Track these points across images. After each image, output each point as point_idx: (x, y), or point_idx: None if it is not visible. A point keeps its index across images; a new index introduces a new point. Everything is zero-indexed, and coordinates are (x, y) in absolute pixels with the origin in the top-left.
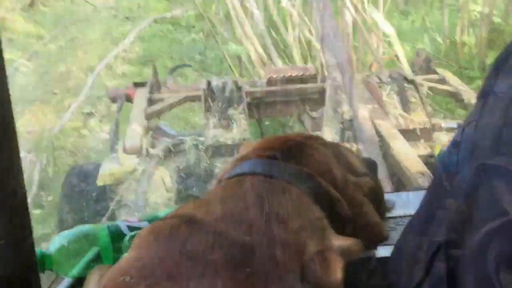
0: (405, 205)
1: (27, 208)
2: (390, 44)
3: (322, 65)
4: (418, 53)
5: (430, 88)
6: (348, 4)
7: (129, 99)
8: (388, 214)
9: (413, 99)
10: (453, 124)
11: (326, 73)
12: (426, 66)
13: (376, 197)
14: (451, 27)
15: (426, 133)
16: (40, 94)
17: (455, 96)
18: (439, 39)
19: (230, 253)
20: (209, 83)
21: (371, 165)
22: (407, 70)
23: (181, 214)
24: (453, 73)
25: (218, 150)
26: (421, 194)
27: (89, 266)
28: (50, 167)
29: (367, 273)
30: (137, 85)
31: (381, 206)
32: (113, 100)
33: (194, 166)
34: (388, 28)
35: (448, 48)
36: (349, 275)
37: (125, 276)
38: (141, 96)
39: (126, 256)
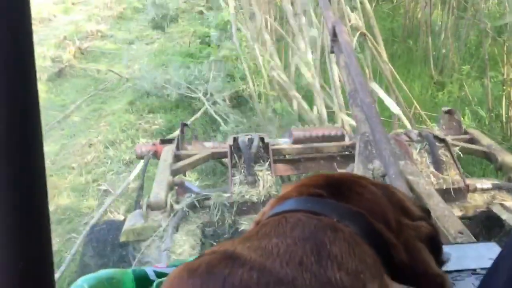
0: (461, 258)
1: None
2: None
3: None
4: (445, 112)
5: (461, 148)
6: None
7: (156, 155)
8: (444, 268)
9: (445, 158)
10: (488, 184)
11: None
12: (456, 126)
13: (434, 244)
14: (495, 100)
15: (460, 193)
16: (57, 168)
17: (488, 156)
18: (482, 112)
19: None
20: (235, 139)
21: (425, 212)
22: (437, 129)
23: (219, 250)
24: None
25: (243, 206)
26: (475, 248)
27: None
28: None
29: None
30: (164, 142)
31: (439, 255)
32: (140, 156)
33: (218, 222)
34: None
35: (492, 122)
36: None
37: None
38: (167, 153)
39: None
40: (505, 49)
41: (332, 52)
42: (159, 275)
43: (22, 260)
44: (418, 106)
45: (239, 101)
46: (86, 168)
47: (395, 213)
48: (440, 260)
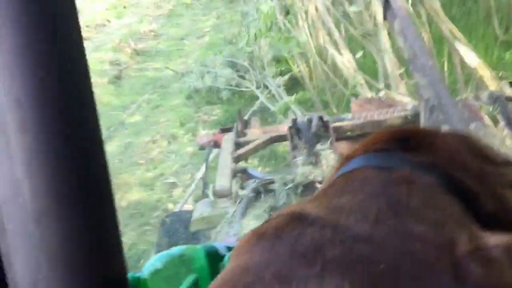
0: None
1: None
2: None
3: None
4: None
5: None
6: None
7: (217, 145)
8: None
9: None
10: None
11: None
12: None
13: None
14: None
15: None
16: (125, 166)
17: None
18: None
19: (355, 249)
20: (294, 121)
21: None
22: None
23: (286, 212)
24: None
25: (308, 187)
26: None
27: None
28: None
29: None
30: (223, 130)
31: None
32: (202, 147)
33: (285, 205)
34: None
35: None
36: None
37: None
38: (228, 141)
39: (225, 269)
40: None
41: (385, 18)
42: (230, 249)
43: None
44: (484, 67)
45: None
46: (152, 163)
47: (475, 161)
48: None
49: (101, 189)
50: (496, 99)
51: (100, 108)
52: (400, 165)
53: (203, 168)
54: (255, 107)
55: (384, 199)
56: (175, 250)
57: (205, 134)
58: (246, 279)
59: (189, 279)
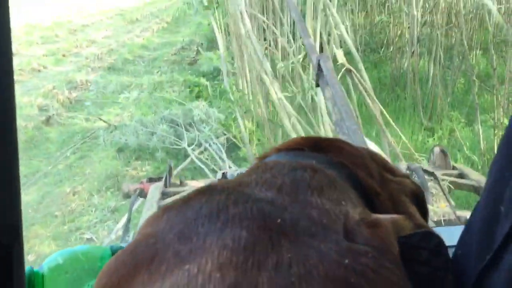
0: (448, 238)
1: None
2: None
3: None
4: (433, 149)
5: (451, 183)
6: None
7: (143, 194)
8: None
9: (434, 191)
10: None
11: None
12: (444, 162)
13: (419, 202)
14: (486, 145)
15: (451, 225)
16: (39, 217)
17: (477, 190)
18: (475, 157)
19: (257, 207)
20: (224, 174)
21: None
22: (426, 164)
23: (197, 189)
24: None
25: None
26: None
27: None
28: None
29: (427, 252)
30: (151, 180)
31: (425, 215)
32: (126, 195)
33: None
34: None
35: (486, 167)
36: (405, 251)
37: (132, 254)
38: (155, 190)
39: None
40: (495, 94)
41: (317, 85)
42: None
43: None
44: (411, 148)
45: (230, 146)
46: (70, 216)
47: (378, 168)
48: (426, 219)
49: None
50: (413, 170)
51: (21, 154)
52: (308, 159)
53: (125, 217)
54: (185, 163)
55: (289, 178)
56: (79, 247)
57: (131, 183)
58: (149, 241)
59: (93, 282)
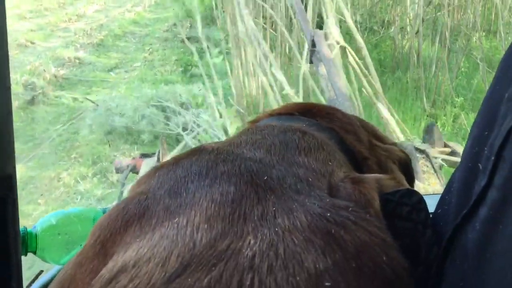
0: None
1: None
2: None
3: None
4: (428, 127)
5: (443, 160)
6: None
7: (135, 170)
8: None
9: (425, 169)
10: None
11: None
12: (437, 139)
13: (407, 170)
14: None
15: None
16: (21, 205)
17: None
18: None
19: (245, 165)
20: None
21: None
22: (418, 141)
23: (188, 150)
24: None
25: None
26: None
27: None
28: None
29: (408, 207)
30: (144, 156)
31: (411, 183)
32: (118, 170)
33: None
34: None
35: None
36: (387, 207)
37: (124, 209)
38: (148, 165)
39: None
40: None
41: (311, 62)
42: None
43: None
44: (410, 135)
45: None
46: (53, 204)
47: (367, 135)
48: (412, 185)
49: None
50: (405, 147)
51: None
52: (299, 123)
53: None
54: (180, 147)
55: (278, 139)
56: (73, 209)
57: (123, 158)
58: (140, 198)
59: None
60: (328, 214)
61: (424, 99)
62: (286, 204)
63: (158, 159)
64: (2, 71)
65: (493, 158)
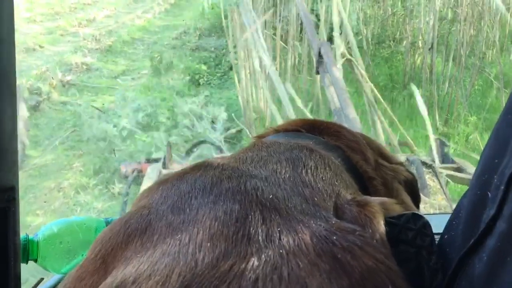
0: (439, 225)
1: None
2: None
3: None
4: (434, 142)
5: (449, 176)
6: None
7: (140, 174)
8: None
9: (432, 183)
10: None
11: None
12: (443, 155)
13: (412, 190)
14: None
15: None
16: (20, 215)
17: None
18: None
19: (250, 183)
20: None
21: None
22: (424, 156)
23: (193, 164)
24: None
25: None
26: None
27: None
28: None
29: (413, 232)
30: (150, 161)
31: (417, 203)
32: (124, 174)
33: None
34: None
35: None
36: (393, 231)
37: (126, 223)
38: (153, 170)
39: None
40: None
41: (317, 73)
42: None
43: None
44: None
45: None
46: (52, 216)
47: (373, 155)
48: (418, 206)
49: None
50: (412, 161)
51: None
52: (306, 140)
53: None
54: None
55: (285, 156)
56: (75, 217)
57: (129, 163)
58: (143, 212)
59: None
60: (334, 238)
61: (437, 117)
62: (291, 225)
63: (164, 164)
64: (10, 98)
65: (502, 187)
